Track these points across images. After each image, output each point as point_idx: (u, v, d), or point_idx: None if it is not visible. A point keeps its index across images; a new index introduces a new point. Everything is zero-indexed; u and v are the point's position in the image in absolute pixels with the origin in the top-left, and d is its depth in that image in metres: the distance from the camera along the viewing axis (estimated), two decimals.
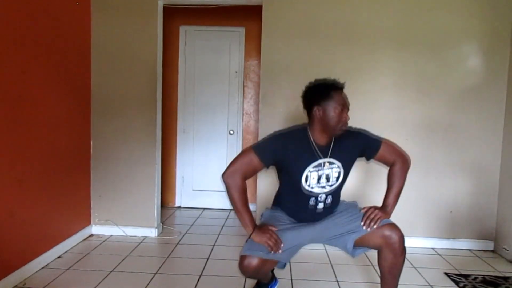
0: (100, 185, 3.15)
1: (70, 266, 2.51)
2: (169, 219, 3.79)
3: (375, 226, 1.75)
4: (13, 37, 2.17)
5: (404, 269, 2.58)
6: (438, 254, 2.94)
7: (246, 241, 1.79)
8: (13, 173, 2.20)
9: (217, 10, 3.89)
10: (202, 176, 4.26)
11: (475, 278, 2.49)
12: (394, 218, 3.09)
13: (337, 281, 2.40)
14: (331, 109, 1.72)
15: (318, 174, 1.78)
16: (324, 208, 1.85)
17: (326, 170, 1.79)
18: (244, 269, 1.72)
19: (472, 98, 2.99)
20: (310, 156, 1.77)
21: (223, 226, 3.58)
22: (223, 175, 1.79)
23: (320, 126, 1.76)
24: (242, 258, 1.72)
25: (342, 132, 1.76)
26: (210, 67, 4.18)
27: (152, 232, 3.17)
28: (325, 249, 2.92)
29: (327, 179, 1.80)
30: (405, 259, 1.79)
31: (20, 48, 2.24)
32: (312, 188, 1.80)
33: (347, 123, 1.76)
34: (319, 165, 1.77)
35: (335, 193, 1.87)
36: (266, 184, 3.09)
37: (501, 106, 2.98)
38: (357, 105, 3.01)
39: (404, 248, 1.75)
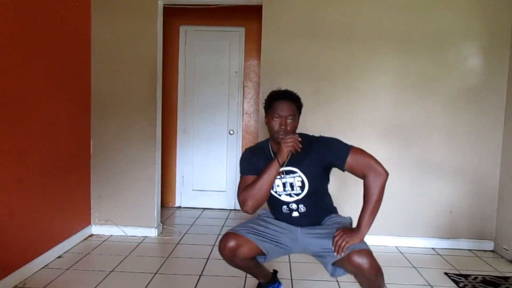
0: (100, 185, 3.15)
1: (70, 266, 2.51)
2: (169, 219, 3.79)
3: (343, 254, 1.63)
4: (13, 37, 2.17)
5: (404, 269, 2.60)
6: (438, 254, 2.94)
7: None
8: (13, 173, 2.20)
9: (217, 10, 3.90)
10: (202, 176, 4.26)
11: (475, 278, 2.49)
12: (394, 218, 3.10)
13: (337, 281, 2.40)
14: (269, 118, 1.81)
15: (281, 181, 1.83)
16: (301, 215, 1.85)
17: (288, 179, 1.82)
18: (221, 247, 1.81)
19: (472, 98, 2.99)
20: (266, 156, 1.86)
21: (223, 226, 3.58)
22: (243, 208, 1.82)
23: (271, 136, 1.86)
24: (222, 236, 1.83)
25: (279, 139, 1.76)
26: (210, 67, 4.18)
27: (152, 232, 3.17)
28: None
29: (291, 187, 1.82)
30: (383, 278, 1.67)
31: (20, 48, 2.24)
32: (279, 195, 1.86)
33: (285, 132, 1.75)
34: (280, 172, 1.82)
35: (309, 202, 1.83)
36: None
37: (501, 105, 2.98)
38: (357, 105, 3.02)
39: (377, 273, 1.61)
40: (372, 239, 3.08)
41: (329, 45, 3.00)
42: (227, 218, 3.88)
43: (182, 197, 4.31)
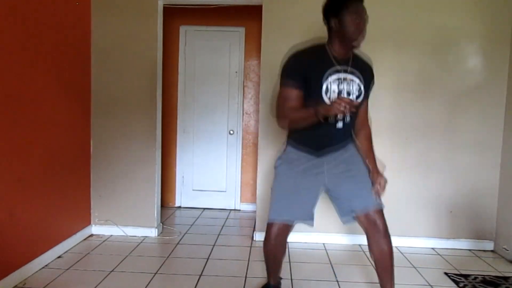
0: (100, 185, 3.15)
1: (70, 266, 2.51)
2: (169, 219, 3.79)
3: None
4: (13, 37, 2.17)
5: (404, 269, 2.61)
6: (438, 254, 2.94)
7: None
8: (13, 173, 2.20)
9: (217, 10, 3.90)
10: (202, 176, 4.26)
11: (475, 278, 2.49)
12: (394, 218, 3.10)
13: (337, 281, 2.40)
14: (349, 19, 1.72)
15: (338, 88, 1.77)
16: (343, 127, 1.81)
17: (346, 86, 1.78)
18: (268, 238, 1.88)
19: (472, 98, 2.99)
20: (328, 65, 1.77)
21: (223, 226, 3.58)
22: (278, 123, 1.86)
23: (339, 38, 1.77)
24: (268, 228, 1.88)
25: (359, 45, 1.76)
26: (210, 67, 4.18)
27: (152, 232, 3.17)
28: (325, 249, 2.92)
29: (348, 94, 1.78)
30: (392, 248, 1.86)
31: (20, 48, 2.24)
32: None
33: (361, 33, 1.75)
34: (339, 79, 1.77)
35: (355, 113, 1.80)
36: (266, 183, 3.09)
37: (501, 106, 2.98)
38: None
39: (386, 229, 1.82)
40: None
41: None
42: (227, 218, 3.88)
43: (182, 197, 4.31)
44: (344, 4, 1.74)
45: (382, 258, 1.85)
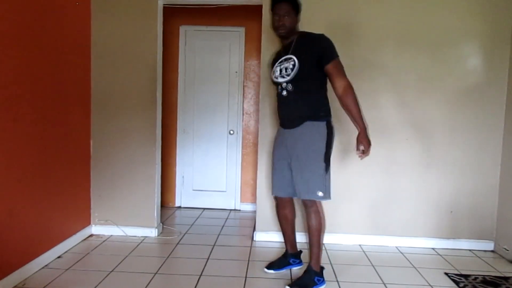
0: (100, 185, 3.15)
1: (70, 266, 2.51)
2: (169, 219, 3.79)
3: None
4: (13, 37, 2.17)
5: (404, 269, 2.62)
6: (438, 254, 2.94)
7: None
8: (13, 173, 2.20)
9: (217, 10, 3.90)
10: (202, 176, 4.26)
11: (475, 278, 2.49)
12: (394, 218, 3.10)
13: (337, 281, 2.40)
14: (272, 17, 2.34)
15: (279, 67, 2.32)
16: (288, 94, 2.29)
17: (285, 64, 2.29)
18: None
19: (472, 98, 2.99)
20: (279, 55, 2.40)
21: (223, 226, 3.58)
22: None
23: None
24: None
25: (283, 34, 2.30)
26: (210, 67, 4.18)
27: (152, 232, 3.17)
28: (325, 249, 2.92)
29: (286, 70, 2.28)
30: (317, 224, 2.26)
31: (20, 48, 2.24)
32: (277, 78, 2.34)
33: (279, 27, 2.28)
34: (281, 61, 2.32)
35: (296, 84, 2.25)
36: (266, 184, 3.09)
37: (501, 105, 2.98)
38: None
39: (312, 215, 2.27)
40: (372, 239, 3.08)
41: None
42: (227, 218, 3.88)
43: (182, 197, 4.31)
44: (271, 8, 2.35)
45: (310, 228, 2.29)
